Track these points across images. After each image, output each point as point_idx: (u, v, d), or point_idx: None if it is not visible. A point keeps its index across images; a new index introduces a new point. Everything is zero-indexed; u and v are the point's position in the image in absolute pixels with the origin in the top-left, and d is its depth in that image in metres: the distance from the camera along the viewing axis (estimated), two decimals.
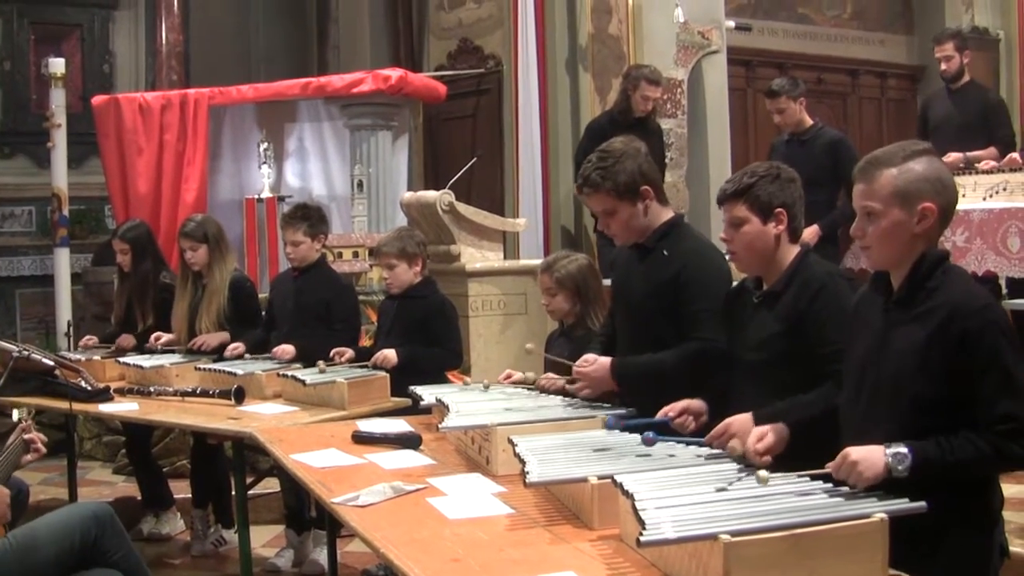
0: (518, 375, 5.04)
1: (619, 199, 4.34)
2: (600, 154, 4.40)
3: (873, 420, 3.13)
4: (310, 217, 6.50)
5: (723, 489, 2.87)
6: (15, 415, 4.75)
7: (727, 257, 4.12)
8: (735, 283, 4.17)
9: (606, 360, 4.36)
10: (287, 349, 6.20)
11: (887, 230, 3.12)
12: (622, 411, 4.12)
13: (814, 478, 2.95)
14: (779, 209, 3.81)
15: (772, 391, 3.66)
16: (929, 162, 3.14)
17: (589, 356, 4.49)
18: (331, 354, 5.98)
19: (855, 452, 2.92)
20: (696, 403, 3.91)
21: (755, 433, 3.40)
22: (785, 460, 3.27)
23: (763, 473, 2.90)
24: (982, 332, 2.95)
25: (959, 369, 2.96)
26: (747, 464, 3.25)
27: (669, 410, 3.88)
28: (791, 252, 3.86)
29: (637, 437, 3.63)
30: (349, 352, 6.02)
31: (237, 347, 6.41)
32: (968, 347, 2.95)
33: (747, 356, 3.88)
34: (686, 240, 4.42)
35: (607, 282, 5.07)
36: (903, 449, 2.90)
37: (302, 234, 6.44)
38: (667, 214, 4.46)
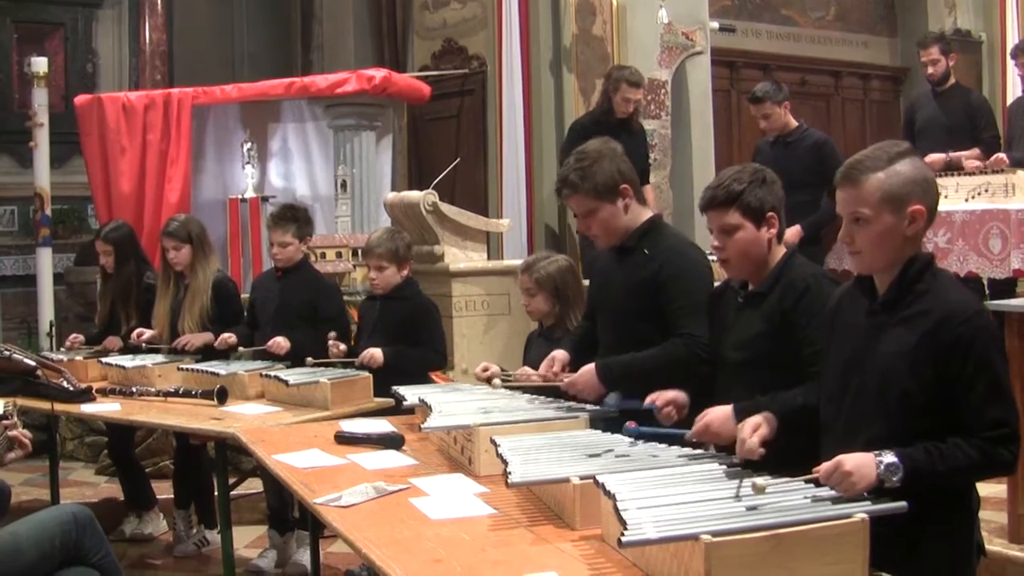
0: (494, 367, 5.04)
1: (598, 199, 4.36)
2: (577, 155, 4.42)
3: (858, 422, 3.12)
4: (299, 219, 6.48)
5: (739, 498, 2.83)
6: (0, 407, 4.72)
7: (717, 263, 4.11)
8: (719, 283, 4.18)
9: (590, 367, 4.36)
10: (281, 343, 6.18)
11: (879, 235, 3.09)
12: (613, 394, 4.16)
13: (804, 483, 2.95)
14: (771, 213, 3.81)
15: (755, 391, 3.65)
16: (913, 163, 3.12)
17: (557, 353, 4.54)
18: (329, 345, 5.98)
19: (849, 462, 2.87)
20: (682, 395, 3.93)
21: (749, 425, 3.38)
22: (766, 460, 3.26)
23: (759, 481, 2.87)
24: (973, 338, 2.94)
25: (948, 373, 2.95)
26: (731, 464, 3.25)
27: (657, 398, 3.89)
28: (778, 253, 3.86)
29: (619, 437, 3.64)
30: (343, 345, 6.03)
31: (230, 337, 6.37)
32: (959, 353, 2.94)
33: (731, 356, 3.89)
34: (666, 239, 4.43)
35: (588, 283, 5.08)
36: (894, 460, 2.87)
37: (291, 235, 6.42)
38: (646, 213, 4.48)
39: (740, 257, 3.83)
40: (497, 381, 4.82)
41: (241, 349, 6.34)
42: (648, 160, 9.26)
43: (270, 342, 6.20)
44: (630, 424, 3.56)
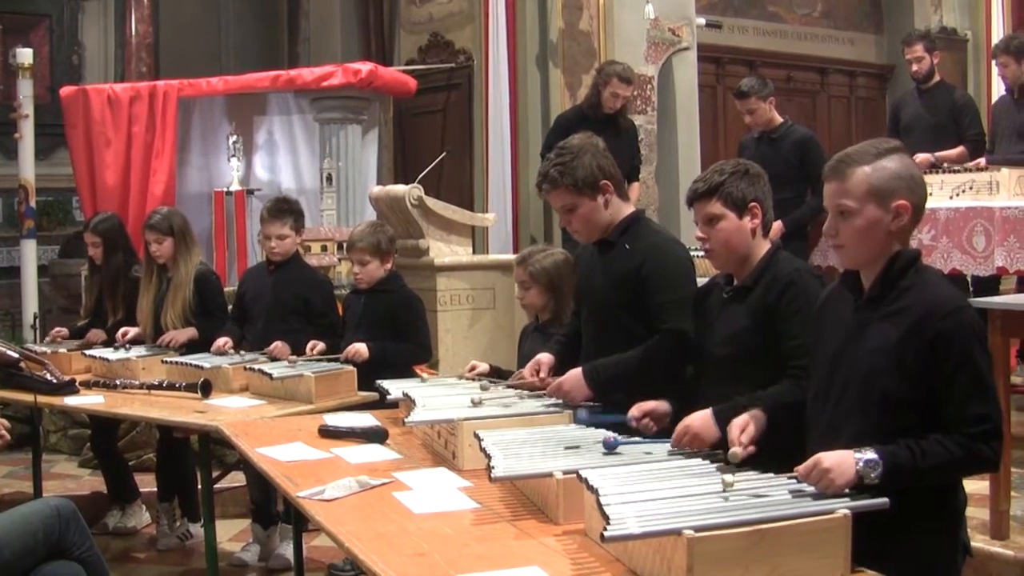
0: (483, 366, 5.04)
1: (578, 194, 4.35)
2: (558, 151, 4.42)
3: (841, 418, 3.12)
4: (294, 211, 6.43)
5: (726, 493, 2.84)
6: None
7: (702, 255, 4.12)
8: (706, 280, 4.18)
9: (577, 370, 4.35)
10: (283, 349, 6.08)
11: (862, 229, 3.09)
12: (589, 404, 4.14)
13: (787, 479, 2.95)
14: (753, 203, 3.83)
15: (740, 386, 3.66)
16: (901, 159, 3.13)
17: (543, 357, 4.54)
18: (307, 349, 5.97)
19: (827, 459, 2.87)
20: (662, 406, 3.92)
21: (736, 425, 3.40)
22: (756, 456, 3.27)
23: (728, 477, 2.88)
24: (955, 334, 2.94)
25: (931, 370, 2.94)
26: (714, 460, 3.25)
27: (635, 410, 3.89)
28: (763, 247, 3.87)
29: (602, 432, 3.64)
30: (320, 345, 6.00)
31: (226, 341, 6.31)
32: (941, 348, 2.94)
33: (716, 351, 3.89)
34: (648, 234, 4.43)
35: None
36: (874, 456, 2.87)
37: (288, 228, 6.36)
38: (628, 209, 4.48)
39: (723, 247, 3.84)
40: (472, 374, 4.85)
41: (243, 354, 6.27)
42: (639, 157, 9.24)
43: (272, 346, 6.14)
44: (609, 437, 3.56)
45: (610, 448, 3.50)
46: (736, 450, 3.11)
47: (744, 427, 3.38)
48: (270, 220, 6.39)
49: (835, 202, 3.15)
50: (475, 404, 4.20)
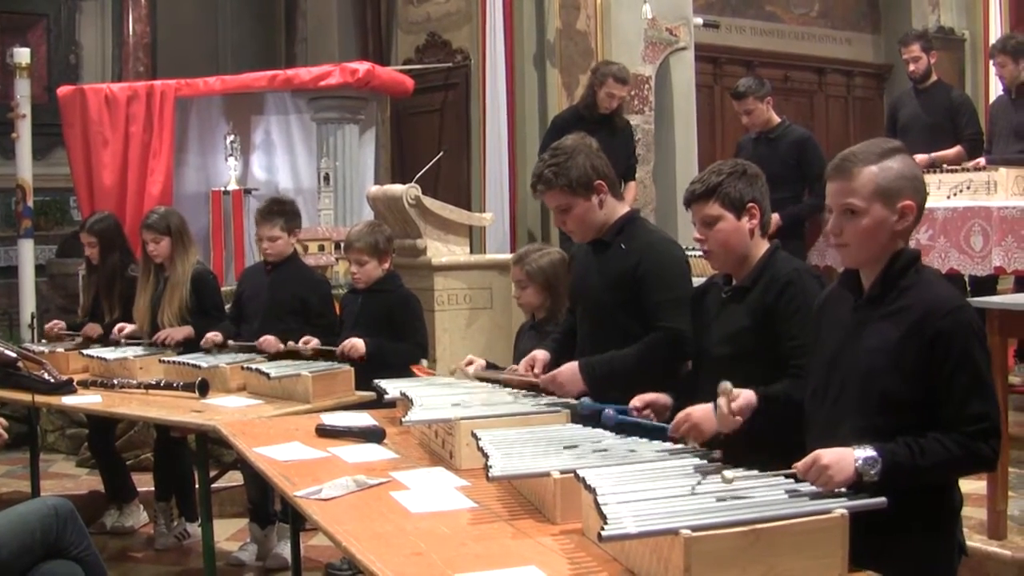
0: (480, 361, 5.05)
1: (573, 194, 4.38)
2: (552, 152, 4.44)
3: (839, 417, 3.12)
4: (286, 212, 6.44)
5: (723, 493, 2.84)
6: None
7: (697, 258, 4.12)
8: (704, 279, 4.19)
9: (572, 364, 4.36)
10: (272, 341, 6.11)
11: (869, 228, 3.09)
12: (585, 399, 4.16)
13: (784, 478, 2.95)
14: (751, 204, 3.83)
15: (740, 386, 3.66)
16: (904, 160, 3.13)
17: (538, 353, 4.55)
18: (300, 341, 5.97)
19: (826, 455, 2.87)
20: (663, 397, 3.92)
21: (722, 392, 3.39)
22: (745, 453, 3.27)
23: (728, 473, 2.88)
24: (954, 333, 2.94)
25: (930, 369, 2.95)
26: (711, 459, 3.25)
27: (636, 400, 3.90)
28: (761, 248, 3.87)
29: (600, 431, 3.64)
30: (314, 340, 5.99)
31: (216, 336, 6.33)
32: (940, 348, 2.94)
33: (715, 350, 3.89)
34: (643, 234, 4.46)
35: None
36: (873, 454, 2.87)
37: (279, 229, 6.37)
38: (623, 208, 4.50)
39: (722, 248, 3.85)
40: (470, 370, 4.84)
41: (231, 343, 6.29)
42: (635, 156, 9.24)
43: (260, 339, 6.16)
44: (608, 411, 3.56)
45: (609, 421, 3.50)
46: (728, 473, 3.08)
47: (734, 397, 3.39)
48: (261, 222, 6.42)
49: (841, 201, 3.14)
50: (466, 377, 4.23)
